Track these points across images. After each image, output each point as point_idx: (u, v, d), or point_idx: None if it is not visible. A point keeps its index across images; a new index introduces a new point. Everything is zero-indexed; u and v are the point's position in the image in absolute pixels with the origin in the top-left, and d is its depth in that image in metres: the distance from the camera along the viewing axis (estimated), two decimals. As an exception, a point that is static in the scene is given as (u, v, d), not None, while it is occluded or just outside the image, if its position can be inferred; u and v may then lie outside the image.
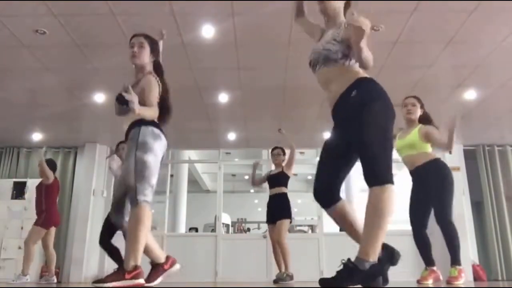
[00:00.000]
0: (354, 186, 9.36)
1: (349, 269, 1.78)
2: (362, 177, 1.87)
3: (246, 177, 13.46)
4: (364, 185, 1.88)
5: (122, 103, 2.33)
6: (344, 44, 2.02)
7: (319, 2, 2.16)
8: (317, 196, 2.03)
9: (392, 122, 1.94)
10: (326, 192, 2.02)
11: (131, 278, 2.13)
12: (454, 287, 3.30)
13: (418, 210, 3.63)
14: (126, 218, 2.38)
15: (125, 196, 2.37)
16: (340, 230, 8.86)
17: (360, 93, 1.92)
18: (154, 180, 2.30)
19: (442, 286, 3.32)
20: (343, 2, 2.19)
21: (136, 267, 2.16)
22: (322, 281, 1.82)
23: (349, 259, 1.81)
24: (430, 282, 3.48)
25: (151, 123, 2.39)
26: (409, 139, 3.65)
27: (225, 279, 6.95)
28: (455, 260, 3.46)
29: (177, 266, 2.42)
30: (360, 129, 1.87)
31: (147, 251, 2.36)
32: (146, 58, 2.56)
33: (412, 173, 3.69)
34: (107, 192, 7.47)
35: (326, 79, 2.08)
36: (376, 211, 1.79)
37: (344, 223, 2.01)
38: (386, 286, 1.85)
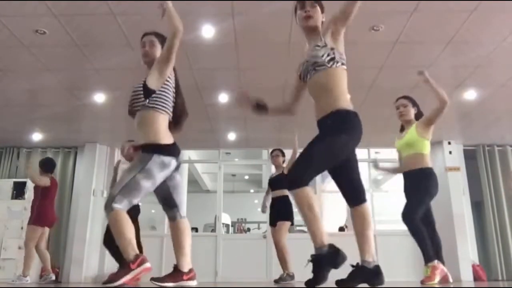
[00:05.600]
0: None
1: (358, 269, 2.09)
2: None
3: (246, 177, 13.45)
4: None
5: (146, 95, 2.40)
6: (328, 47, 2.23)
7: (303, 20, 2.35)
8: (288, 177, 2.16)
9: (342, 153, 2.14)
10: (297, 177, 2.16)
11: (138, 266, 2.16)
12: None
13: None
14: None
15: None
16: (340, 229, 8.82)
17: (333, 123, 2.14)
18: (136, 200, 2.32)
19: (418, 287, 3.29)
20: (321, 20, 2.39)
21: (137, 255, 2.19)
22: (338, 282, 2.06)
23: (358, 263, 2.12)
24: (436, 280, 3.39)
25: (166, 150, 2.37)
26: (407, 138, 3.72)
27: (225, 279, 6.95)
28: (424, 257, 3.44)
29: (194, 283, 2.45)
30: (313, 141, 2.13)
31: (179, 253, 2.45)
32: (157, 55, 2.54)
33: (405, 175, 3.76)
34: (107, 192, 7.47)
35: (317, 88, 2.26)
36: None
37: (301, 207, 2.12)
38: (391, 286, 2.01)
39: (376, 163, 4.21)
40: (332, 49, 2.23)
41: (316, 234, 2.01)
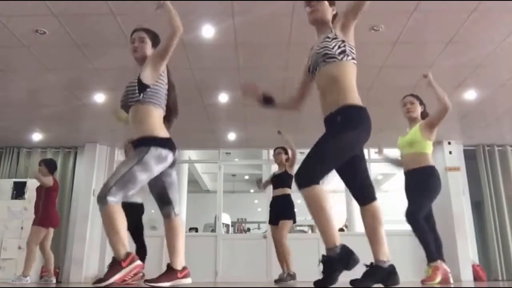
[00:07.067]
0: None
1: (373, 269, 2.05)
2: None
3: (246, 177, 13.45)
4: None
5: (140, 90, 2.39)
6: (339, 39, 2.17)
7: (309, 13, 2.30)
8: (297, 176, 2.07)
9: (352, 150, 2.11)
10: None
11: (128, 265, 2.15)
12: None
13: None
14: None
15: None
16: (339, 230, 8.82)
17: (342, 119, 2.09)
18: (131, 192, 2.29)
19: (419, 287, 3.29)
20: (331, 15, 2.32)
21: (128, 254, 2.18)
22: (353, 282, 2.02)
23: (371, 263, 2.07)
24: (437, 281, 3.38)
25: (163, 143, 2.36)
26: (409, 137, 3.70)
27: (225, 279, 6.95)
28: (427, 257, 3.44)
29: (188, 280, 2.44)
30: (322, 138, 2.08)
31: (172, 252, 2.44)
32: (147, 52, 2.54)
33: (406, 173, 3.74)
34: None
35: (326, 81, 2.18)
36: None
37: (311, 206, 2.05)
38: (391, 287, 2.04)
39: (380, 147, 4.06)
40: (343, 41, 2.17)
41: (328, 235, 1.94)
